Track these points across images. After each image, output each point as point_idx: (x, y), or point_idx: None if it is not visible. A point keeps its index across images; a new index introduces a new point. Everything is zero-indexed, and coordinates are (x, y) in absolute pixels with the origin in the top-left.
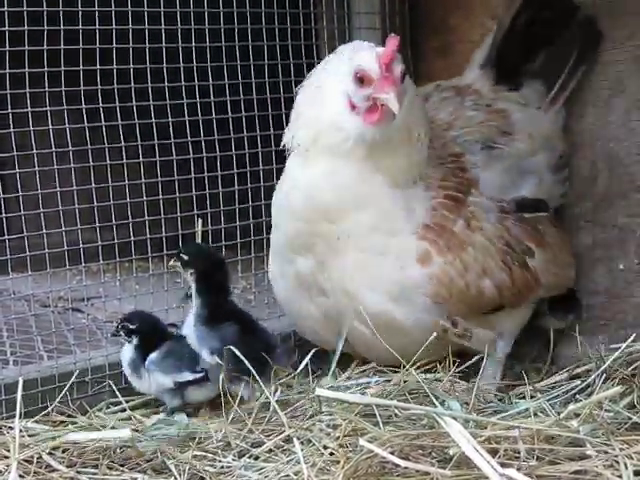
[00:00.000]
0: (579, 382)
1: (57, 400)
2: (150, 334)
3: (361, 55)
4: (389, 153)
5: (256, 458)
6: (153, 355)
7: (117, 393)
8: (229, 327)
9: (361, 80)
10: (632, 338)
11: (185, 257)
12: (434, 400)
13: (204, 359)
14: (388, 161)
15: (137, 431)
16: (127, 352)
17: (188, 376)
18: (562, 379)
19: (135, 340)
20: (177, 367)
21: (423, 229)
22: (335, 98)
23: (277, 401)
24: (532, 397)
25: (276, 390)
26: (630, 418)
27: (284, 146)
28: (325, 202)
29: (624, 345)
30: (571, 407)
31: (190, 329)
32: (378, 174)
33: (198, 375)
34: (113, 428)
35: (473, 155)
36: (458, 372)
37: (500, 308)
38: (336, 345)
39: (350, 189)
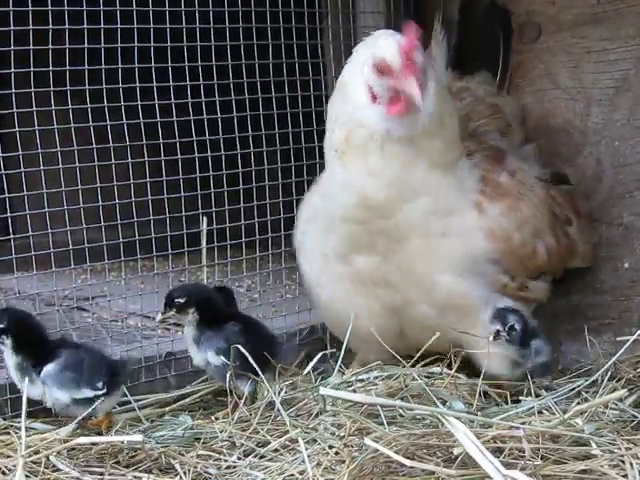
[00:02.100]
0: (584, 380)
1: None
2: (23, 334)
3: (381, 44)
4: (425, 141)
5: (261, 457)
6: (49, 367)
7: (126, 392)
8: (233, 327)
9: (381, 70)
10: (638, 333)
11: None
12: (436, 400)
13: (209, 361)
14: (427, 148)
15: (143, 432)
16: (8, 357)
17: (87, 393)
18: (567, 377)
19: (8, 342)
20: (75, 382)
21: (478, 197)
22: (357, 90)
23: (282, 400)
24: (537, 395)
25: (281, 390)
26: (635, 417)
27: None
28: (376, 200)
29: (631, 339)
30: (577, 407)
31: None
32: (420, 161)
33: (99, 392)
34: (119, 430)
35: (496, 142)
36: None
37: (539, 276)
38: (388, 343)
39: (396, 183)
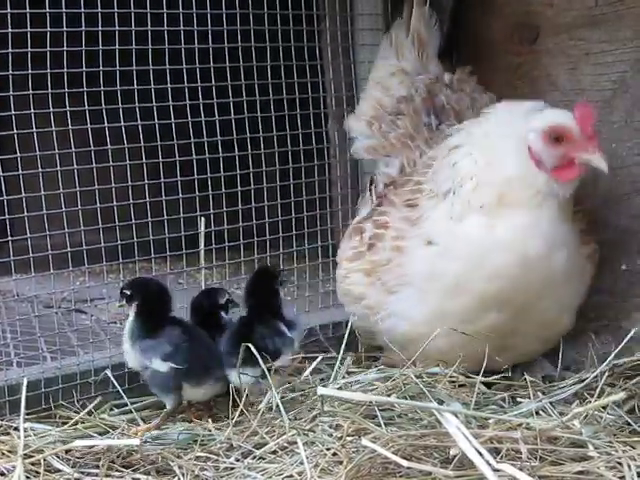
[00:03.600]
0: (581, 382)
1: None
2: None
3: (555, 114)
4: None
5: (259, 459)
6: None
7: (122, 394)
8: (173, 331)
9: (557, 139)
10: (631, 334)
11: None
12: (432, 400)
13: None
14: (568, 203)
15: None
16: None
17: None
18: (565, 379)
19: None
20: None
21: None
22: (518, 158)
23: (280, 402)
24: (535, 396)
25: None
26: (629, 424)
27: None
28: (535, 252)
29: (626, 338)
30: (575, 410)
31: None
32: (563, 215)
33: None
34: (116, 430)
35: None
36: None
37: None
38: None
39: (551, 238)
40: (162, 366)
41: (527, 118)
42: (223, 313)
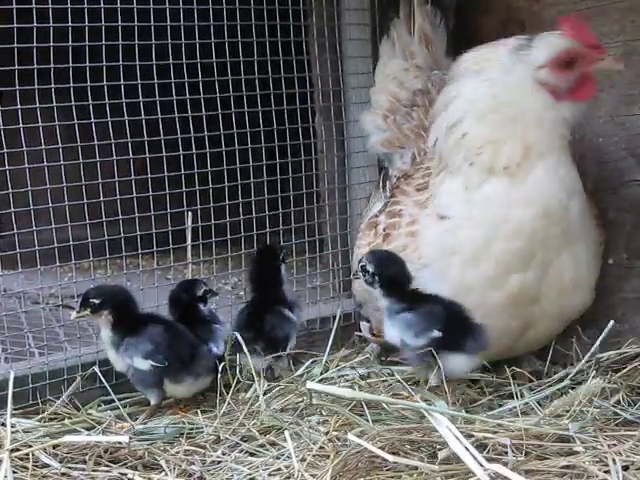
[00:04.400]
0: (568, 377)
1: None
2: None
3: (551, 43)
4: None
5: (246, 452)
6: None
7: (109, 390)
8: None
9: (569, 63)
10: (607, 329)
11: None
12: (418, 399)
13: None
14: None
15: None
16: None
17: None
18: (552, 374)
19: None
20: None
21: None
22: (536, 100)
23: (268, 395)
24: (521, 393)
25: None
26: (618, 414)
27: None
28: (556, 201)
29: (605, 331)
30: (554, 402)
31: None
32: (572, 159)
33: None
34: (105, 426)
35: None
36: None
37: None
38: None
39: (568, 184)
40: (143, 364)
41: (521, 59)
42: (202, 305)
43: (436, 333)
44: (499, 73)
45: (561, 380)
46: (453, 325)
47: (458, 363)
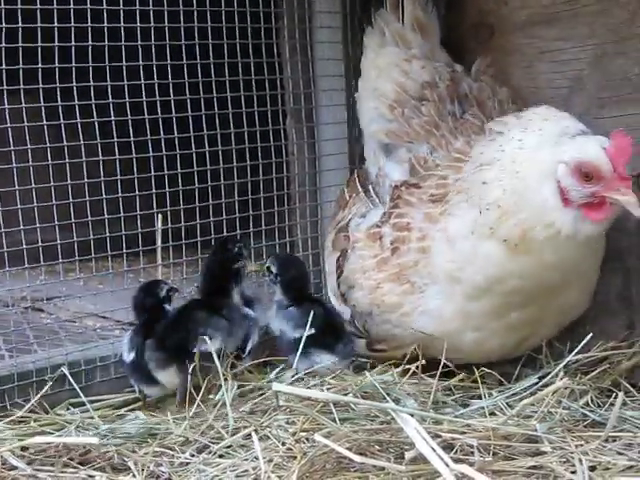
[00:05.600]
0: (536, 376)
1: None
2: None
3: (587, 146)
4: None
5: (215, 454)
6: None
7: (79, 392)
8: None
9: (588, 175)
10: (588, 337)
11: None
12: (387, 398)
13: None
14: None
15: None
16: None
17: None
18: (522, 376)
19: None
20: None
21: None
22: (546, 191)
23: (236, 397)
24: (490, 394)
25: (233, 386)
26: (587, 416)
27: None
28: (553, 285)
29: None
30: (522, 402)
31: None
32: (587, 248)
33: None
34: (78, 428)
35: None
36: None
37: None
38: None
39: (571, 270)
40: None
41: (558, 143)
42: (167, 305)
43: (312, 330)
44: (535, 138)
45: (531, 383)
46: (329, 328)
47: (325, 362)
